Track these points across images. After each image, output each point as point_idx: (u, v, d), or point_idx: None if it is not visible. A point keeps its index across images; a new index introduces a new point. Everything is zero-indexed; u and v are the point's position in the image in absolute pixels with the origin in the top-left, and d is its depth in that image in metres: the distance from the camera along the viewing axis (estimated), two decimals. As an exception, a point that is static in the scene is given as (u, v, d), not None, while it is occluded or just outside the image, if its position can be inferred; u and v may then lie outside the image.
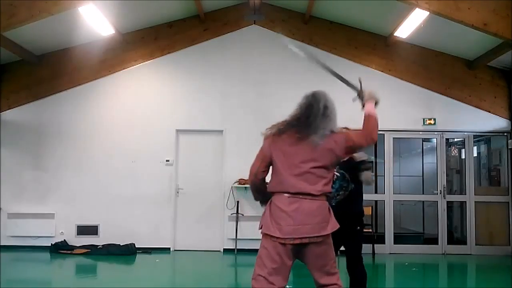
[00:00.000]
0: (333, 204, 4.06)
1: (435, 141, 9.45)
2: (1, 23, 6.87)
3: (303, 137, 2.94)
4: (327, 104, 3.05)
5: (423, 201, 10.06)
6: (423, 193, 10.12)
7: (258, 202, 3.33)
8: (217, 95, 9.14)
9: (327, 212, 2.99)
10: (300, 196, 2.93)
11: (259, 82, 9.10)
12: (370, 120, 3.30)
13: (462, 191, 9.55)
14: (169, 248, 8.89)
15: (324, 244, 2.98)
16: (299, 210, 2.92)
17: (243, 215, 8.86)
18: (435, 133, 9.31)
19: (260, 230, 3.12)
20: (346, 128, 3.60)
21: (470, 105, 9.15)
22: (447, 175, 9.44)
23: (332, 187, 3.86)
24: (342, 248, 4.25)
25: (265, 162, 3.06)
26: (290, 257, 2.98)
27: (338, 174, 4.09)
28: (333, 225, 3.01)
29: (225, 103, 9.09)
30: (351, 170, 4.18)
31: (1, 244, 8.63)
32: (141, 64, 9.23)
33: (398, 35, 8.63)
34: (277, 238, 2.96)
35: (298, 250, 2.96)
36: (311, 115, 2.98)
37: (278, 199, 2.99)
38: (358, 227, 4.32)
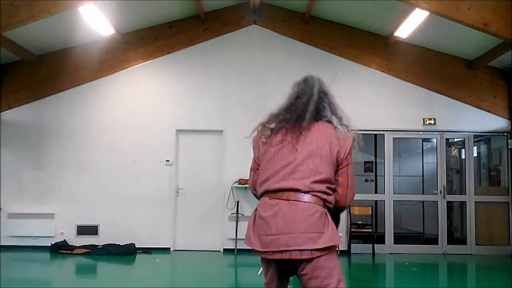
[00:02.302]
0: None
1: (435, 141, 9.45)
2: (1, 23, 6.87)
3: (296, 132, 2.38)
4: (324, 89, 2.52)
5: (423, 201, 10.07)
6: (423, 193, 10.13)
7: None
8: (217, 95, 9.14)
9: (320, 220, 2.25)
10: (283, 197, 2.30)
11: (259, 82, 9.10)
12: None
13: (462, 191, 9.55)
14: (169, 248, 8.89)
15: (319, 264, 2.22)
16: (279, 215, 2.27)
17: (243, 215, 8.86)
18: (435, 133, 9.31)
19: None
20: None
21: (470, 105, 9.15)
22: (447, 175, 9.44)
23: None
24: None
25: (256, 162, 2.54)
26: (279, 276, 2.36)
27: None
28: (331, 239, 2.24)
29: (225, 103, 9.09)
30: None
31: (1, 244, 8.64)
32: (141, 64, 9.23)
33: (398, 35, 8.63)
34: (258, 252, 2.33)
35: (287, 267, 2.32)
36: (305, 104, 2.43)
37: (261, 202, 2.43)
38: None
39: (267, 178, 2.38)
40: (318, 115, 2.44)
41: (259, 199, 2.48)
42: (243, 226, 8.78)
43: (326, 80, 2.63)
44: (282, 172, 2.33)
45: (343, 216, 8.97)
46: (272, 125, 2.46)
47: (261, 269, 2.47)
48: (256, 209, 2.43)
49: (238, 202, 8.91)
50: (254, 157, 2.54)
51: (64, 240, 8.76)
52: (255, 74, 9.17)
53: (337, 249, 2.34)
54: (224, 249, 8.89)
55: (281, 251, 2.22)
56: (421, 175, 10.61)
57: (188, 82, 9.23)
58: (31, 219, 8.76)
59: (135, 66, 9.22)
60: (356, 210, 8.91)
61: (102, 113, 9.13)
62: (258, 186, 2.44)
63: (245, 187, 8.86)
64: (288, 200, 2.28)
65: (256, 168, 2.52)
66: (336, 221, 2.42)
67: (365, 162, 10.91)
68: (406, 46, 9.07)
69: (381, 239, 9.07)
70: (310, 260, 2.21)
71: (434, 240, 9.23)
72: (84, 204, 8.90)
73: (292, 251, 2.21)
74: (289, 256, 2.21)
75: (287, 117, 2.43)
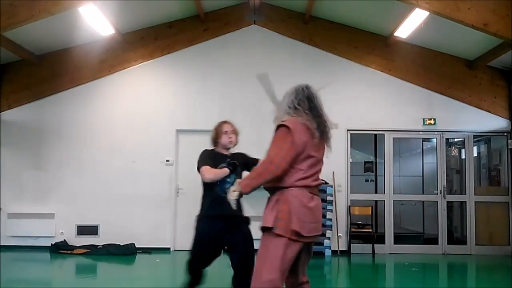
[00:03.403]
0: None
1: (435, 141, 9.45)
2: (1, 23, 6.86)
3: (318, 130, 2.90)
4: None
5: (423, 201, 10.06)
6: (423, 193, 10.12)
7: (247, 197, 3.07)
8: (217, 95, 9.13)
9: None
10: (316, 192, 2.92)
11: (259, 82, 9.08)
12: None
13: (462, 191, 9.55)
14: (169, 248, 8.89)
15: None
16: (317, 206, 2.91)
17: (243, 215, 8.85)
18: (435, 133, 9.31)
19: (275, 228, 2.80)
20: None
21: (470, 105, 9.15)
22: (447, 175, 9.44)
23: (226, 181, 3.87)
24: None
25: (291, 155, 2.80)
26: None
27: (230, 166, 3.98)
28: None
29: (225, 103, 9.09)
30: (241, 165, 4.08)
31: (1, 244, 8.63)
32: (141, 64, 9.22)
33: (398, 35, 8.63)
34: (302, 236, 2.80)
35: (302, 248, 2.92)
36: (318, 107, 2.97)
37: (300, 193, 2.82)
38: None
39: (307, 177, 2.85)
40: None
41: (280, 187, 2.84)
42: (243, 226, 8.77)
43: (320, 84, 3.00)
44: (318, 172, 2.94)
45: (343, 216, 8.97)
46: (309, 121, 2.89)
47: None
48: (289, 198, 2.80)
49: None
50: (295, 142, 2.80)
51: (64, 240, 8.76)
52: (255, 74, 9.13)
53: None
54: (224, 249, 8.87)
55: (316, 235, 2.92)
56: (421, 175, 10.61)
57: (188, 82, 9.23)
58: (31, 219, 8.75)
59: (135, 66, 9.21)
60: (356, 210, 8.92)
61: (102, 113, 9.13)
62: (295, 179, 2.81)
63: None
64: (317, 195, 2.94)
65: (292, 153, 2.79)
66: None
67: (365, 162, 10.92)
68: (406, 46, 9.07)
69: (381, 239, 9.06)
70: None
71: (434, 240, 9.23)
72: (84, 204, 8.90)
73: (319, 235, 2.96)
74: (316, 239, 2.98)
75: (312, 115, 2.92)
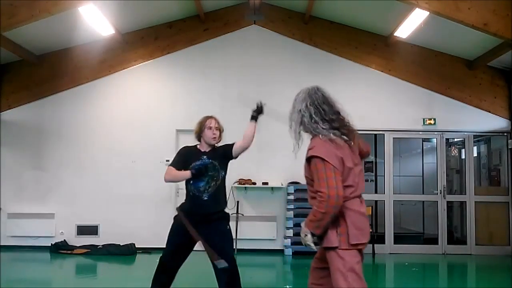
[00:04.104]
0: (206, 198, 3.99)
1: (435, 141, 9.45)
2: (1, 23, 6.87)
3: (346, 136, 2.87)
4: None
5: (423, 201, 10.06)
6: (423, 193, 10.12)
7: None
8: (217, 95, 9.13)
9: None
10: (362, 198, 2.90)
11: (259, 82, 9.09)
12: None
13: (462, 191, 9.55)
14: (169, 248, 8.88)
15: None
16: (366, 212, 2.90)
17: (243, 215, 8.86)
18: (435, 133, 9.31)
19: (344, 244, 2.75)
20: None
21: (470, 105, 9.15)
22: (447, 175, 9.44)
23: (201, 179, 3.88)
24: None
25: (340, 179, 2.73)
26: None
27: (205, 164, 4.00)
28: None
29: (225, 103, 9.07)
30: (219, 158, 4.10)
31: (1, 244, 8.63)
32: (141, 64, 9.22)
33: (398, 35, 8.63)
34: (363, 244, 2.80)
35: None
36: (334, 106, 2.93)
37: (353, 204, 2.80)
38: (228, 226, 4.15)
39: (355, 188, 2.84)
40: None
41: (338, 203, 2.73)
42: (243, 226, 8.79)
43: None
44: (362, 177, 2.95)
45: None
46: (336, 133, 2.86)
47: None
48: (346, 212, 2.77)
49: (238, 202, 8.91)
50: (336, 165, 2.74)
51: (64, 240, 8.76)
52: (255, 74, 9.17)
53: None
54: (224, 249, 8.88)
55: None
56: (421, 175, 10.60)
57: (188, 82, 9.22)
58: (31, 219, 8.76)
59: (135, 66, 9.22)
60: (356, 210, 8.90)
61: (102, 113, 9.13)
62: (346, 194, 2.76)
63: (245, 187, 8.87)
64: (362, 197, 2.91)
65: (338, 177, 2.74)
66: None
67: (365, 162, 10.89)
68: (406, 46, 9.07)
69: (381, 239, 9.07)
70: None
71: (434, 240, 9.23)
72: (84, 204, 8.90)
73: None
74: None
75: (338, 123, 2.89)
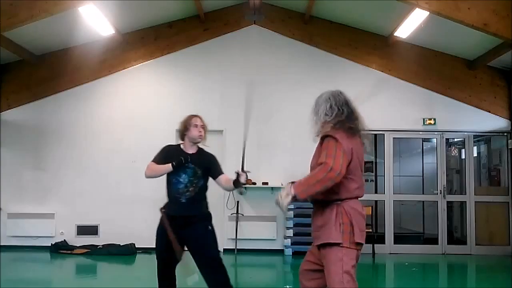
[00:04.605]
0: (184, 201, 3.99)
1: (435, 141, 9.45)
2: (1, 23, 6.86)
3: (359, 139, 2.96)
4: None
5: (423, 201, 10.07)
6: (423, 193, 10.13)
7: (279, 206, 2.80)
8: (217, 95, 9.14)
9: None
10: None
11: (259, 82, 9.08)
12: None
13: (462, 191, 9.55)
14: (169, 248, 8.88)
15: None
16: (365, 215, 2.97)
17: (243, 215, 8.86)
18: (435, 133, 9.31)
19: (347, 242, 2.79)
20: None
21: (470, 105, 9.15)
22: (447, 175, 9.44)
23: (179, 181, 3.87)
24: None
25: (346, 162, 2.78)
26: None
27: (188, 167, 3.98)
28: None
29: (225, 103, 9.09)
30: (203, 168, 4.04)
31: (1, 244, 8.63)
32: (141, 64, 9.22)
33: (398, 35, 8.63)
34: (361, 244, 2.86)
35: None
36: (355, 110, 3.02)
37: (356, 203, 2.89)
38: (210, 227, 4.14)
39: (359, 186, 2.91)
40: None
41: (336, 199, 2.84)
42: (243, 226, 8.79)
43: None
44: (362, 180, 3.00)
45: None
46: (355, 128, 2.96)
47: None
48: (349, 211, 2.82)
49: (238, 202, 8.91)
50: (344, 148, 2.79)
51: (64, 240, 8.76)
52: (255, 74, 9.15)
53: None
54: (224, 249, 8.87)
55: None
56: (421, 175, 10.61)
57: (188, 82, 9.22)
58: (31, 219, 8.75)
59: (135, 66, 9.21)
60: (356, 210, 8.90)
61: (102, 113, 9.13)
62: (353, 189, 2.85)
63: (245, 187, 8.84)
64: None
65: (345, 159, 2.78)
66: None
67: (365, 162, 10.84)
68: (406, 46, 9.07)
69: (381, 239, 9.07)
70: None
71: (434, 240, 9.24)
72: (84, 204, 8.90)
73: None
74: None
75: (354, 123, 2.97)
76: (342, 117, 2.92)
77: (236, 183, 3.80)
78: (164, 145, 4.26)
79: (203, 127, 4.12)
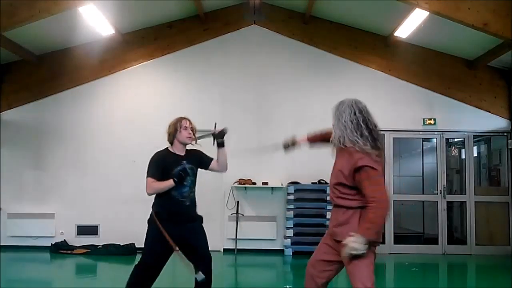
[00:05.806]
0: (188, 203, 4.01)
1: (435, 141, 9.45)
2: (1, 23, 6.87)
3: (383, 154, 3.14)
4: None
5: (423, 201, 10.05)
6: (423, 193, 10.11)
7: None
8: (217, 95, 9.13)
9: None
10: None
11: (259, 82, 9.10)
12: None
13: (462, 191, 9.55)
14: (169, 248, 8.88)
15: None
16: None
17: (243, 215, 8.86)
18: (435, 133, 9.31)
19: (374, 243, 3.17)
20: None
21: (470, 105, 9.15)
22: (447, 175, 9.44)
23: (184, 185, 3.87)
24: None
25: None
26: None
27: (187, 170, 4.01)
28: None
29: (225, 103, 9.09)
30: (196, 164, 4.13)
31: (1, 244, 8.63)
32: (141, 64, 9.22)
33: (398, 35, 8.63)
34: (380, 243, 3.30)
35: None
36: (373, 120, 3.14)
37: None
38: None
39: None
40: None
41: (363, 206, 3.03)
42: (243, 226, 8.79)
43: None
44: None
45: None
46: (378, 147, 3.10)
47: None
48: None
49: (238, 202, 8.91)
50: (382, 174, 3.03)
51: (64, 240, 8.76)
52: (255, 74, 9.17)
53: None
54: (224, 249, 8.88)
55: None
56: (421, 175, 10.59)
57: (188, 82, 9.23)
58: (31, 219, 8.76)
59: (135, 66, 9.21)
60: (356, 210, 8.90)
61: (102, 113, 9.13)
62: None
63: (245, 187, 8.87)
64: None
65: None
66: None
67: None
68: (406, 46, 9.07)
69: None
70: None
71: (434, 240, 9.23)
72: (84, 204, 8.90)
73: None
74: None
75: (375, 139, 3.09)
76: (366, 132, 3.02)
77: (217, 136, 4.13)
78: (152, 156, 4.21)
79: (192, 129, 4.15)
